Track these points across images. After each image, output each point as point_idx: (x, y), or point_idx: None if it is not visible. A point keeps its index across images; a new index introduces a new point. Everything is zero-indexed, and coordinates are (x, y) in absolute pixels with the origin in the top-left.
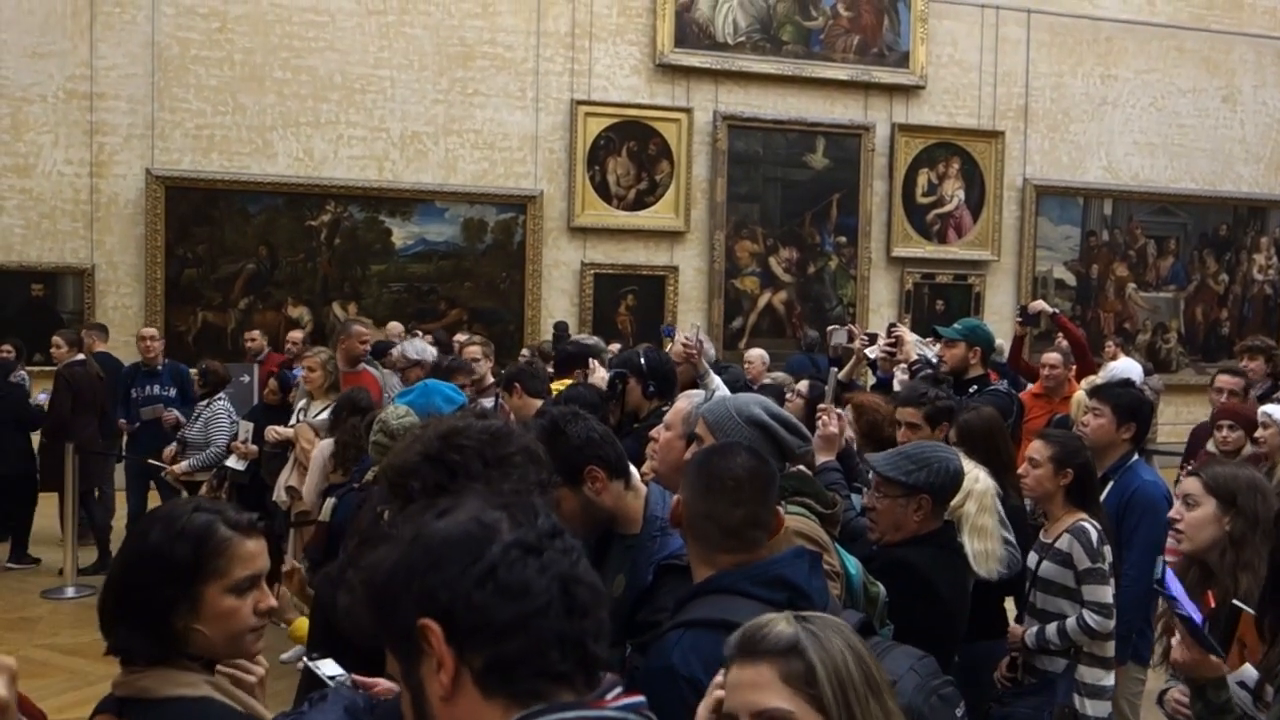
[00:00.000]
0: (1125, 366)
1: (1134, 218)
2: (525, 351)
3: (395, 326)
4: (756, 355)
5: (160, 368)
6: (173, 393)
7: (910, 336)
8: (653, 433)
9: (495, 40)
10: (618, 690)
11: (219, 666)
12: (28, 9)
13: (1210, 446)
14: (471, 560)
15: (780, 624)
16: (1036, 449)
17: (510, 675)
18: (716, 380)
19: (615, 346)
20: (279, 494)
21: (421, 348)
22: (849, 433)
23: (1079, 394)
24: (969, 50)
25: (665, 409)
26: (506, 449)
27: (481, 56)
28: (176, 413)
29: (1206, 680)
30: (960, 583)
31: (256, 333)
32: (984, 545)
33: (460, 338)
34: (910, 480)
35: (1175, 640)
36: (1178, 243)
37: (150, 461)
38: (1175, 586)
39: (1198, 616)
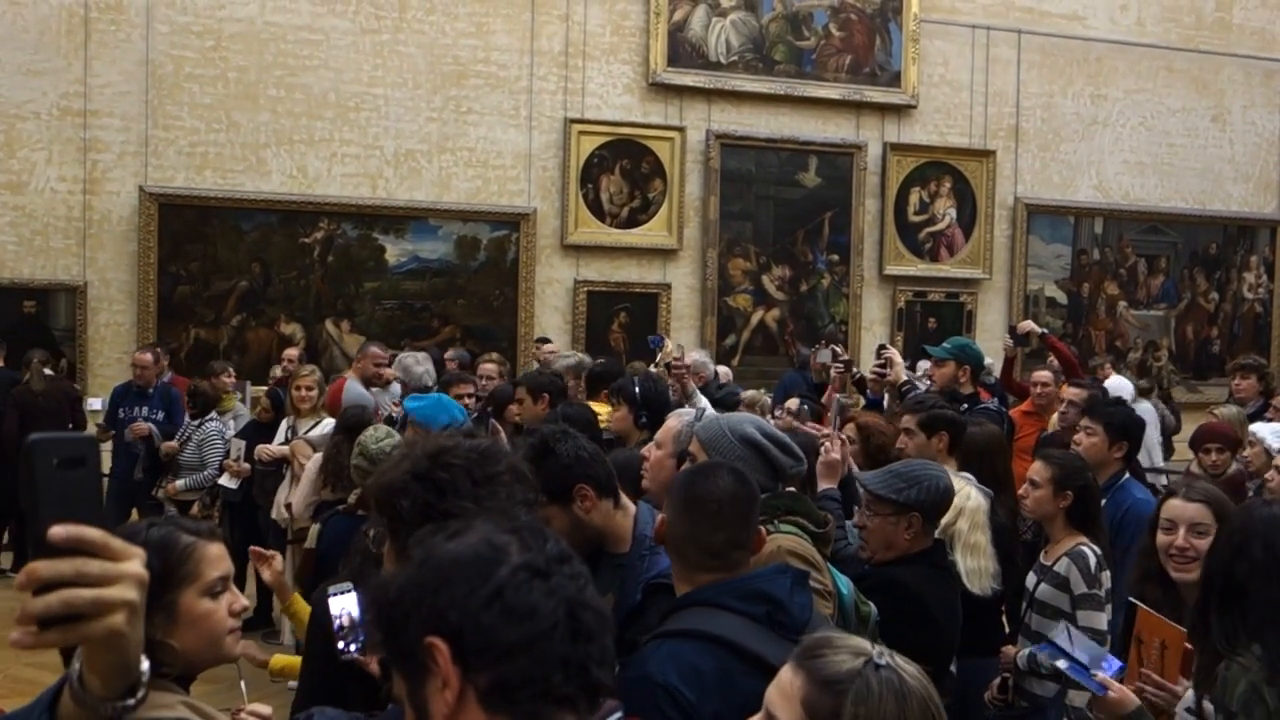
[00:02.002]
0: (1117, 385)
1: (1124, 236)
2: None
3: (553, 351)
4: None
5: (152, 390)
6: (160, 416)
7: (898, 358)
8: (644, 451)
9: (489, 59)
10: (617, 716)
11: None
12: (22, 26)
13: (1194, 468)
14: (480, 581)
15: (846, 656)
16: (1037, 470)
17: (513, 696)
18: (704, 401)
19: (600, 361)
20: (278, 511)
21: (410, 365)
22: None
23: (1056, 416)
24: (960, 70)
25: None
26: (494, 468)
27: (475, 75)
28: (150, 425)
29: (1128, 714)
30: (951, 601)
31: (158, 349)
32: (977, 563)
33: (451, 354)
34: (901, 498)
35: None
36: (1168, 261)
37: (155, 495)
38: (1072, 647)
39: (1116, 666)
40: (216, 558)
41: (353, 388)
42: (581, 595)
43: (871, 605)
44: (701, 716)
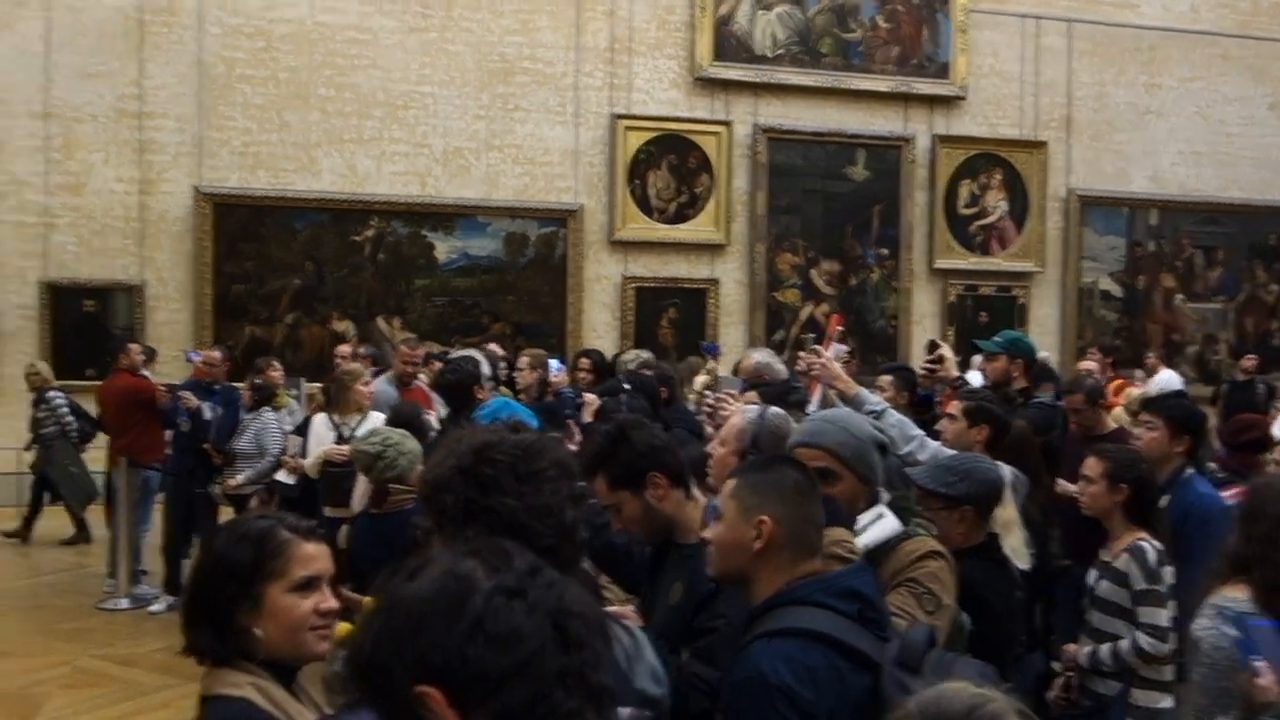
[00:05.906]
0: (1167, 379)
1: (1181, 228)
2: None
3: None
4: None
5: (218, 387)
6: (219, 412)
7: (950, 354)
8: (708, 448)
9: (535, 56)
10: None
11: None
12: (79, 31)
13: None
14: (455, 616)
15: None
16: (1090, 465)
17: None
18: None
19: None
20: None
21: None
22: None
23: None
24: (1010, 60)
25: None
26: (539, 464)
27: (522, 72)
28: (201, 404)
29: None
30: (1009, 594)
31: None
32: (1015, 539)
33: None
34: (951, 492)
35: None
36: (1226, 253)
37: (210, 489)
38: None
39: None
40: (309, 557)
41: (381, 389)
42: (563, 604)
43: (965, 615)
44: (819, 715)
